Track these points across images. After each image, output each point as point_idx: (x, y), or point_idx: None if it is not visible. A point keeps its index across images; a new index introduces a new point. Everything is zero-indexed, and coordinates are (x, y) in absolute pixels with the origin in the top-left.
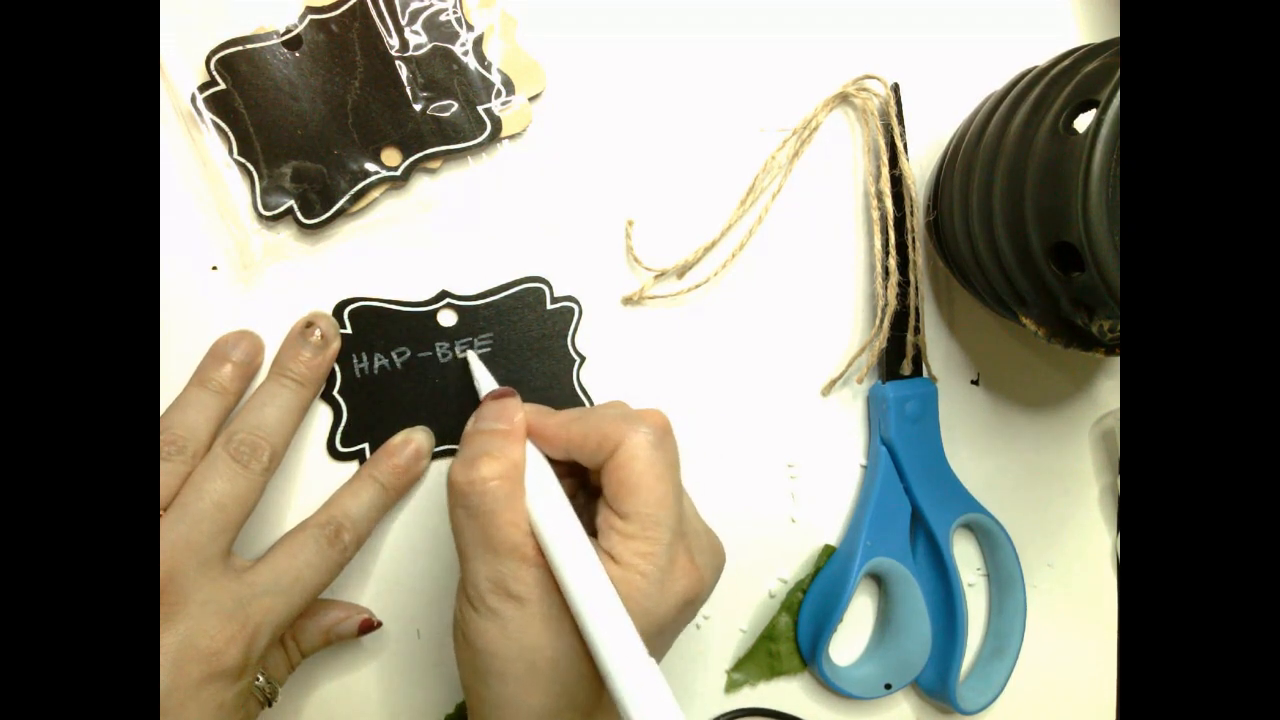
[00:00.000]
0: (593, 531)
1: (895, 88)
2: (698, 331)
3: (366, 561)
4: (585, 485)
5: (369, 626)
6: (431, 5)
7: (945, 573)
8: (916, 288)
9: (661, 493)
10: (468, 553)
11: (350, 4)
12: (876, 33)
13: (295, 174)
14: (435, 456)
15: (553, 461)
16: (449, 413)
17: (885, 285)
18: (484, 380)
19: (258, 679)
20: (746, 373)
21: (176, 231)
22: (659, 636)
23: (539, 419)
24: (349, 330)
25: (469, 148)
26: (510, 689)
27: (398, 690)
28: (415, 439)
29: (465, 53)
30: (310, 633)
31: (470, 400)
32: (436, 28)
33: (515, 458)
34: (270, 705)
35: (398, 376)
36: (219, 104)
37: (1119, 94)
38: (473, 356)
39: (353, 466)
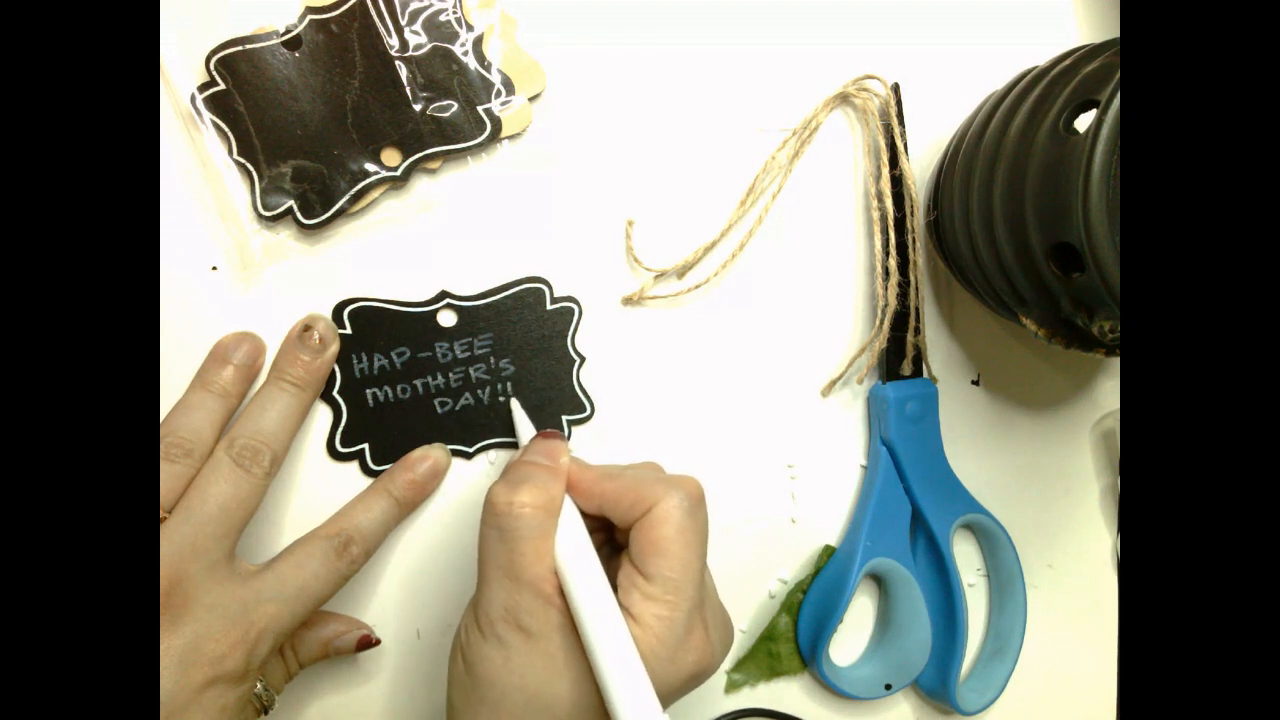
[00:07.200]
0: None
1: (895, 88)
2: (698, 332)
3: (370, 569)
4: (610, 542)
5: (367, 643)
6: (431, 5)
7: (945, 573)
8: (916, 288)
9: (688, 559)
10: (489, 575)
11: (350, 4)
12: (876, 33)
13: (295, 174)
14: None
15: (583, 515)
16: (448, 414)
17: (885, 285)
18: (526, 425)
19: (256, 686)
20: (746, 373)
21: (176, 231)
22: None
23: (576, 470)
24: (349, 331)
25: (469, 148)
26: None
27: (394, 703)
28: (433, 455)
29: (465, 53)
30: (309, 644)
31: (470, 404)
32: (436, 28)
33: (555, 494)
34: (266, 713)
35: (398, 377)
36: (219, 104)
37: (1119, 94)
38: (516, 405)
39: (352, 466)
